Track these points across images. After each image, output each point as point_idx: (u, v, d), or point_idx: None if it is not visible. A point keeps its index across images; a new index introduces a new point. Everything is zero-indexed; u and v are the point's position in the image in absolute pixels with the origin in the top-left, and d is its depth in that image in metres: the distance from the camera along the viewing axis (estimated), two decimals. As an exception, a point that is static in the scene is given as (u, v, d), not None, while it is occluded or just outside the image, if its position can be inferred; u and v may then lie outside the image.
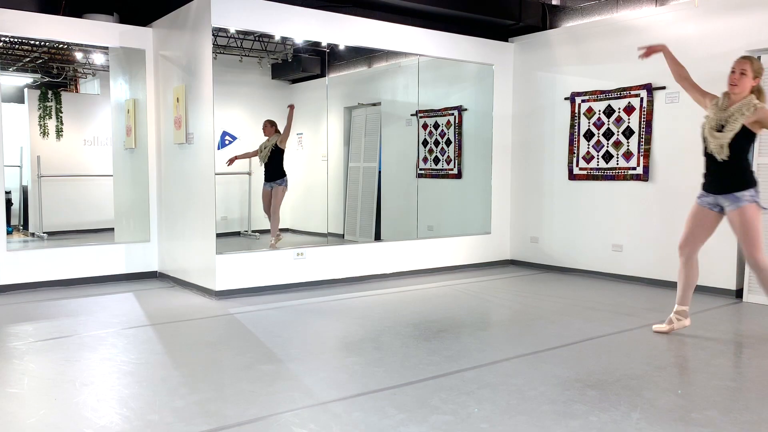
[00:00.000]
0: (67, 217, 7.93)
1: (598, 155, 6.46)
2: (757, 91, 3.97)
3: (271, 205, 7.16)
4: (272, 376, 3.35)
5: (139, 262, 6.26)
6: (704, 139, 4.05)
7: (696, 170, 5.71)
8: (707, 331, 4.37)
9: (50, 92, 7.90)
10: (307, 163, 8.43)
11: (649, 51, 4.25)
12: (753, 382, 3.35)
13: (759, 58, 5.30)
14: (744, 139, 3.92)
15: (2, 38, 6.01)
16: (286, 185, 7.16)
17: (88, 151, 8.17)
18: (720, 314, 4.90)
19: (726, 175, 3.97)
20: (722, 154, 3.94)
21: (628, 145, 6.20)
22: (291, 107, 7.20)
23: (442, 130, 7.54)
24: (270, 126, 7.13)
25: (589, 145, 6.54)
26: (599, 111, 6.43)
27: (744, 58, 4.00)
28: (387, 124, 7.83)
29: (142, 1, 6.34)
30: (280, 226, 7.40)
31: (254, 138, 8.73)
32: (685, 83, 4.19)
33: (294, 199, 8.72)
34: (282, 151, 7.07)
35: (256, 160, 8.58)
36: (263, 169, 7.23)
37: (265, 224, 8.67)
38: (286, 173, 7.13)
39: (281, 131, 7.15)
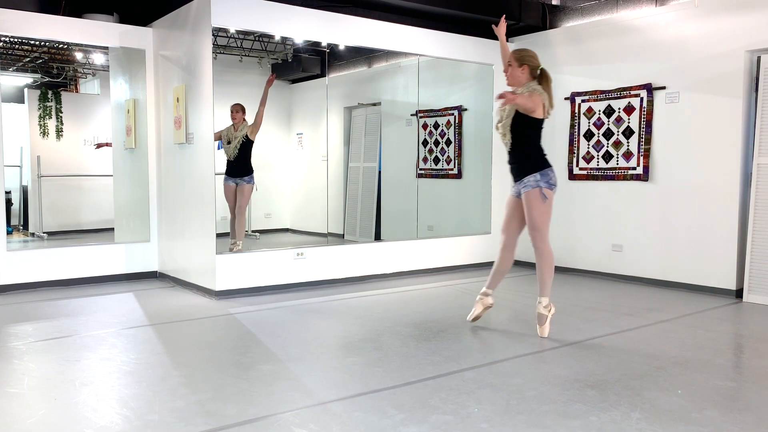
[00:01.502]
0: (67, 217, 7.93)
1: (598, 155, 6.46)
2: (541, 76, 4.13)
3: (236, 205, 6.42)
4: (272, 376, 3.35)
5: (139, 262, 6.26)
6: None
7: (696, 170, 5.73)
8: (707, 331, 4.37)
9: (50, 92, 7.89)
10: (307, 163, 8.43)
11: (500, 27, 4.46)
12: (753, 382, 3.35)
13: (750, 57, 5.31)
14: (523, 125, 4.09)
15: (2, 38, 6.01)
16: (254, 183, 6.47)
17: (88, 151, 8.17)
18: (720, 314, 4.90)
19: (516, 161, 4.19)
20: (506, 142, 4.17)
21: (628, 145, 6.20)
22: (271, 79, 6.41)
23: (442, 130, 7.53)
24: (242, 112, 6.35)
25: (589, 145, 6.54)
26: (599, 111, 6.43)
27: (512, 50, 4.21)
28: (387, 124, 7.83)
29: (142, 1, 6.34)
30: (258, 228, 7.26)
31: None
32: (529, 100, 4.30)
33: (294, 199, 8.72)
34: (252, 143, 6.37)
35: (257, 159, 8.58)
36: (226, 163, 6.43)
37: (265, 224, 8.67)
38: (253, 169, 6.48)
39: (250, 119, 6.45)
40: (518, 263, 7.34)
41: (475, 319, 4.44)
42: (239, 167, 6.40)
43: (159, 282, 6.16)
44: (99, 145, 6.86)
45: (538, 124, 4.10)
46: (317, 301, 5.33)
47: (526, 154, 4.14)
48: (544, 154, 4.18)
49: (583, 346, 3.99)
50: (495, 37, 7.20)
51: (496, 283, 4.43)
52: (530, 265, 7.17)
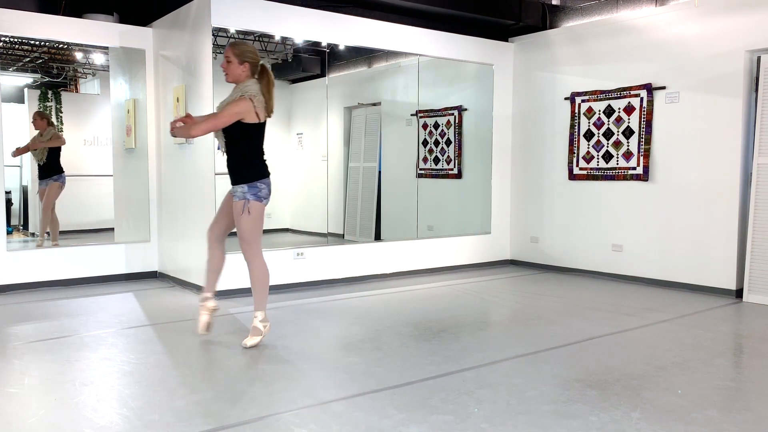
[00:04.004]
0: (67, 217, 7.92)
1: (598, 155, 6.46)
2: (261, 73, 3.83)
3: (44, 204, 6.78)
4: (272, 376, 3.35)
5: (139, 262, 6.26)
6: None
7: (696, 170, 5.74)
8: (707, 331, 4.37)
9: (50, 92, 7.89)
10: (307, 163, 8.43)
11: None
12: (753, 382, 3.35)
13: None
14: (234, 129, 3.74)
15: (2, 38, 6.01)
16: (63, 182, 6.81)
17: (88, 151, 8.17)
18: (720, 314, 4.90)
19: (230, 165, 3.84)
20: (220, 144, 3.87)
21: (628, 145, 6.20)
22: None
23: (442, 130, 7.53)
24: (41, 119, 6.75)
25: (589, 145, 6.54)
26: (599, 111, 6.43)
27: (230, 44, 3.82)
28: (387, 124, 7.83)
29: (142, 1, 6.34)
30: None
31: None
32: (212, 122, 3.70)
33: (294, 199, 8.72)
34: (58, 147, 6.80)
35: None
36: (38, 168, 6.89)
37: (265, 224, 8.65)
38: (63, 169, 6.85)
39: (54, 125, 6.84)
40: (517, 263, 7.34)
41: (207, 327, 4.03)
42: (47, 168, 6.76)
43: (159, 282, 6.15)
44: (17, 152, 6.82)
45: (250, 129, 3.76)
46: (317, 301, 5.33)
47: (237, 161, 3.81)
48: (260, 162, 3.85)
49: (583, 346, 3.99)
50: (495, 38, 7.22)
51: (213, 284, 4.05)
52: (528, 265, 7.17)
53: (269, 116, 3.88)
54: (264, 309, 3.95)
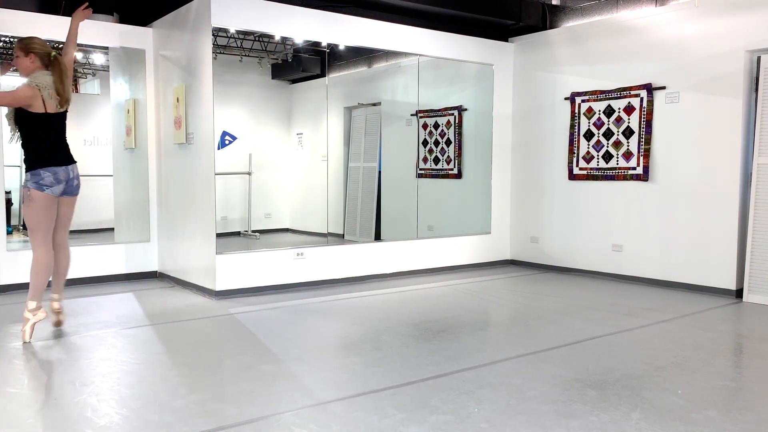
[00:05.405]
0: (67, 217, 7.91)
1: (598, 155, 6.46)
2: (53, 64, 3.91)
3: None
4: (272, 376, 3.35)
5: (139, 262, 6.26)
6: None
7: (696, 170, 5.74)
8: (707, 331, 4.37)
9: (50, 92, 7.88)
10: (307, 163, 8.43)
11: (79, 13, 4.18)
12: (753, 382, 3.35)
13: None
14: (22, 121, 3.85)
15: (2, 38, 6.00)
16: None
17: (88, 151, 8.17)
18: (720, 314, 4.90)
19: (23, 155, 3.93)
20: (12, 134, 3.94)
21: (628, 145, 6.20)
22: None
23: (442, 130, 7.54)
24: None
25: (589, 145, 6.54)
26: (599, 111, 6.43)
27: (17, 41, 4.02)
28: (387, 124, 7.83)
29: (142, 1, 6.34)
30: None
31: (254, 138, 8.75)
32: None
33: (294, 199, 8.73)
34: None
35: (257, 159, 8.59)
36: None
37: (265, 224, 8.68)
38: None
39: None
40: (517, 263, 7.34)
41: (58, 324, 4.26)
42: None
43: (159, 282, 6.15)
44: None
45: (38, 119, 3.83)
46: (317, 301, 5.33)
47: (26, 150, 3.90)
48: (50, 152, 3.91)
49: (583, 346, 3.99)
50: (495, 38, 7.22)
51: (59, 287, 4.21)
52: (528, 265, 7.17)
53: (64, 107, 3.94)
54: (37, 300, 3.96)
